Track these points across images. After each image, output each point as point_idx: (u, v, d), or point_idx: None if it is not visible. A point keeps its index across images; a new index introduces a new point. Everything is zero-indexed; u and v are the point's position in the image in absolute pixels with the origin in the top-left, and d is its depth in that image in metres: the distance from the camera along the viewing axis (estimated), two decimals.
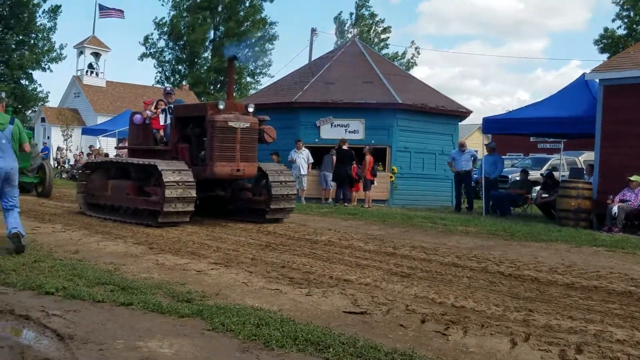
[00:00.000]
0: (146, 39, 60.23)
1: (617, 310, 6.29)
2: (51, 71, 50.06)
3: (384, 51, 59.56)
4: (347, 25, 62.78)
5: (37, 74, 57.05)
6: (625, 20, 46.09)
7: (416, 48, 63.54)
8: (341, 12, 68.13)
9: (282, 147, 19.39)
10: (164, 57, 61.02)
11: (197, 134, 12.95)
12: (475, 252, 9.89)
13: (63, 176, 31.56)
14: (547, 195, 17.26)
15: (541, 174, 22.08)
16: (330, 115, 20.97)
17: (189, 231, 11.39)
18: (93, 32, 50.50)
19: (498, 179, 19.07)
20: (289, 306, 6.03)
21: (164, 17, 60.73)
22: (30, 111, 52.21)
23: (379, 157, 20.42)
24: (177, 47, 60.75)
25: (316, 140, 20.93)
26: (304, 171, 19.73)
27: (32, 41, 49.18)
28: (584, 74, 16.60)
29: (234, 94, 15.06)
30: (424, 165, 21.62)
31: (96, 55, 48.92)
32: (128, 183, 13.09)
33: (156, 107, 14.10)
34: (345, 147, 19.53)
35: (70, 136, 38.88)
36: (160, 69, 61.45)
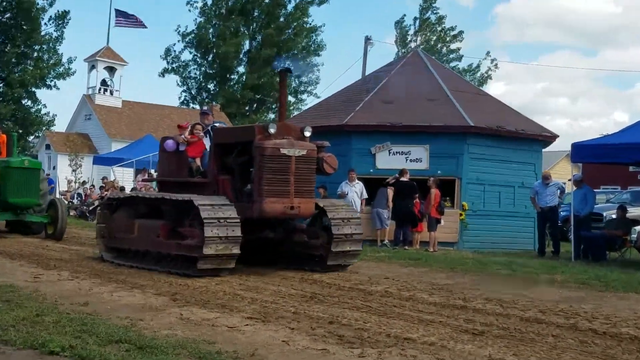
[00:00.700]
0: (167, 51, 60.93)
1: None
2: (58, 89, 50.33)
3: (454, 63, 59.40)
4: (410, 32, 63.00)
5: (41, 93, 57.39)
6: None
7: (492, 60, 63.11)
8: (404, 15, 67.55)
9: (330, 179, 19.39)
10: (189, 72, 61.70)
11: (242, 164, 12.69)
12: (563, 306, 9.82)
13: (71, 213, 31.91)
14: None
15: None
16: (388, 142, 21.00)
17: (218, 280, 11.40)
18: (107, 43, 51.08)
19: (590, 217, 18.82)
20: None
21: (187, 26, 61.16)
22: (33, 137, 52.51)
23: (446, 190, 20.31)
24: (205, 61, 61.38)
25: (371, 170, 20.94)
26: (357, 208, 19.65)
27: (35, 54, 49.69)
28: None
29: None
30: (500, 200, 21.45)
31: (110, 69, 49.52)
32: (160, 223, 12.88)
33: (191, 134, 13.86)
34: (405, 178, 19.50)
35: (80, 166, 38.43)
36: (185, 87, 62.07)
